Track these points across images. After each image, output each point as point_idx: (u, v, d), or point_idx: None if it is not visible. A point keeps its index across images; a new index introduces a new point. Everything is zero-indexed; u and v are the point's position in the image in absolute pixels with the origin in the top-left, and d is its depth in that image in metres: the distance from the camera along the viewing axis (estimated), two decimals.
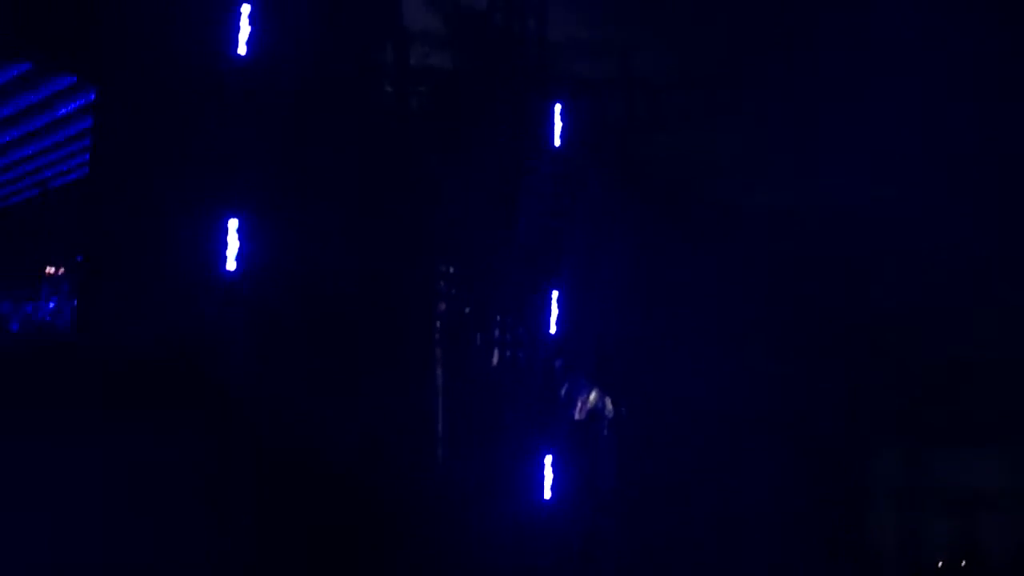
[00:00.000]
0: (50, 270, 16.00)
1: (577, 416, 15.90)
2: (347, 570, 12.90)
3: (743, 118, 16.78)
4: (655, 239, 16.42)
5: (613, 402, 16.15)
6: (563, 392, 15.63)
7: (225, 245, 12.29)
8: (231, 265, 12.32)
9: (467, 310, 15.03)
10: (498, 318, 14.95)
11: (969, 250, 17.69)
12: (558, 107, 14.72)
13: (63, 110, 14.76)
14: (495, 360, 14.93)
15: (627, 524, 15.50)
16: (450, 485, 14.27)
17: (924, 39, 16.12)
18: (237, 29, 12.43)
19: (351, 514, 13.17)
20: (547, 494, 14.31)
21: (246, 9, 12.43)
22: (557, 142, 14.76)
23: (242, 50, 12.44)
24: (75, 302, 13.77)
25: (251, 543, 12.04)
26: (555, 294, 14.73)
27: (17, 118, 15.50)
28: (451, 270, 15.09)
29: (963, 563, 17.98)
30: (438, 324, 14.99)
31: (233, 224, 12.33)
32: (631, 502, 15.81)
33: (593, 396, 16.05)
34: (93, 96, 13.75)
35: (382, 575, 13.18)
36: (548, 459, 14.37)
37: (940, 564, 17.99)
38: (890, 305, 17.66)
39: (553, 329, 14.75)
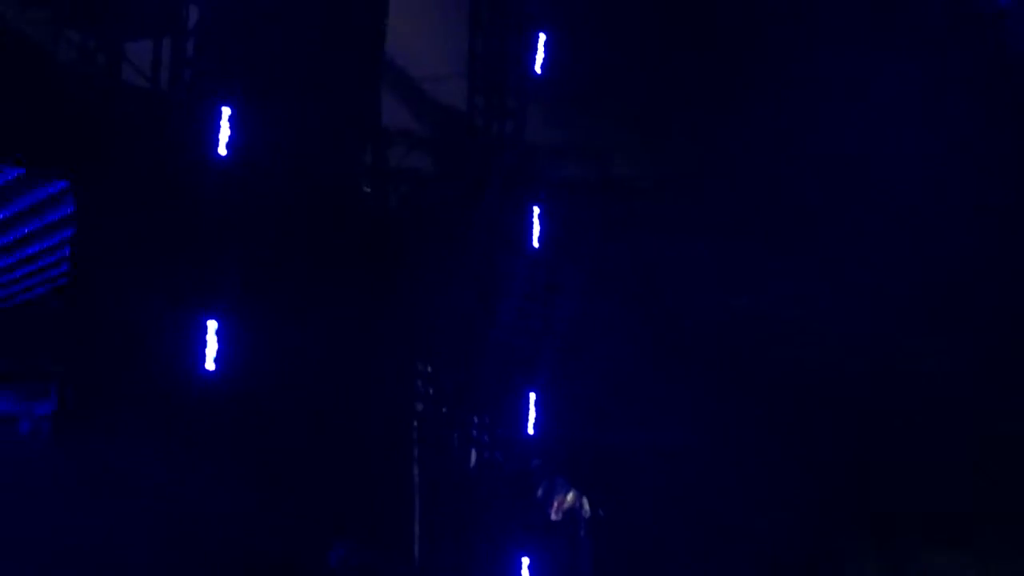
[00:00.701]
0: None
1: (554, 516, 15.75)
2: None
3: (717, 222, 16.77)
4: (630, 341, 16.33)
5: (590, 503, 15.93)
6: (540, 492, 15.52)
7: (204, 345, 12.18)
8: (210, 366, 12.21)
9: (444, 410, 14.84)
10: (475, 418, 14.77)
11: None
12: (536, 210, 14.69)
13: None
14: (472, 460, 14.75)
15: None
16: None
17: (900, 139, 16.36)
18: (218, 131, 12.38)
19: None
20: None
21: (226, 112, 12.40)
22: (535, 244, 14.71)
23: (222, 151, 12.41)
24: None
25: None
26: (532, 396, 14.64)
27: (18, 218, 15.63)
28: (429, 369, 14.91)
29: None
30: (415, 423, 14.81)
31: (212, 325, 12.22)
32: None
33: (570, 496, 15.86)
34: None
35: None
36: (525, 561, 14.22)
37: None
38: (865, 406, 17.39)
39: (531, 430, 14.65)
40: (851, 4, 16.40)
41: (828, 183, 16.70)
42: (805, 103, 16.06)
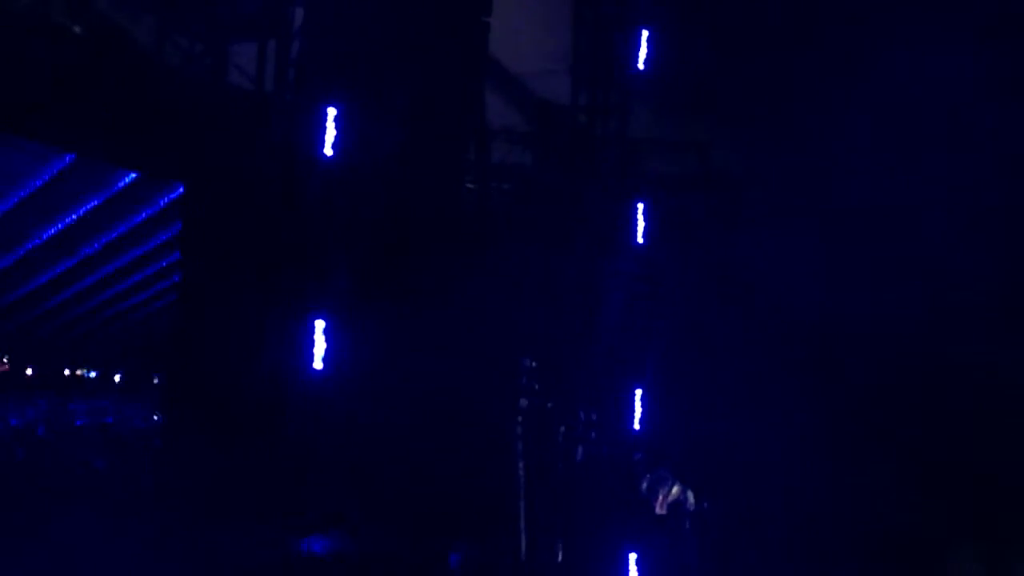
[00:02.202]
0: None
1: (658, 510, 15.66)
2: None
3: (820, 218, 16.73)
4: (734, 337, 16.33)
5: (695, 496, 15.88)
6: (644, 486, 15.47)
7: (312, 345, 12.12)
8: (318, 365, 12.15)
9: (549, 405, 14.83)
10: (581, 414, 14.80)
11: None
12: (640, 206, 14.74)
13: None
14: (578, 455, 14.78)
15: None
16: None
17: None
18: (323, 131, 12.29)
19: None
20: None
21: (332, 112, 12.28)
22: (640, 239, 14.75)
23: (328, 152, 12.30)
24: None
25: None
26: (639, 392, 14.69)
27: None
28: (534, 365, 14.87)
29: None
30: (520, 419, 14.81)
31: (320, 325, 12.16)
32: None
33: (675, 490, 15.75)
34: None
35: None
36: (632, 556, 14.25)
37: None
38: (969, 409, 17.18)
39: (637, 426, 14.72)
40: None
41: (922, 180, 16.56)
42: (903, 99, 15.88)
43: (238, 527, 11.91)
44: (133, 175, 14.79)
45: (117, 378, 26.45)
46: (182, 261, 13.55)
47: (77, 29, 12.13)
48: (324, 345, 12.15)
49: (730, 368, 16.14)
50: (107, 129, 12.20)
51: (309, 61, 12.69)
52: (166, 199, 15.85)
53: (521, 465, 14.67)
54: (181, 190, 13.60)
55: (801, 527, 16.21)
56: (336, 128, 12.26)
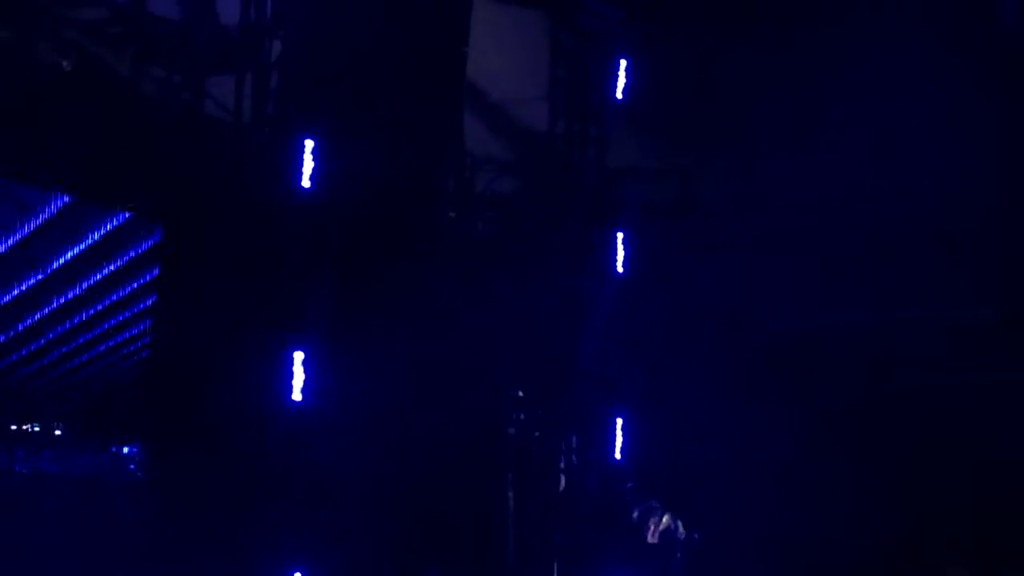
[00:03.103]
0: None
1: (650, 539, 15.48)
2: None
3: (801, 242, 16.71)
4: (717, 362, 16.30)
5: (685, 526, 15.70)
6: (635, 515, 15.34)
7: (291, 376, 12.07)
8: (296, 396, 12.08)
9: (536, 434, 14.90)
10: (563, 444, 14.89)
11: None
12: (620, 235, 14.74)
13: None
14: (562, 484, 14.83)
15: None
16: None
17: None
18: (301, 163, 12.29)
19: None
20: None
21: (309, 144, 12.27)
22: (620, 268, 14.72)
23: (306, 183, 12.27)
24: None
25: None
26: (619, 422, 14.65)
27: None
28: (520, 394, 15.00)
29: None
30: (507, 449, 14.98)
31: (299, 356, 12.09)
32: None
33: (665, 519, 15.58)
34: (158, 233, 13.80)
35: None
36: None
37: None
38: (955, 429, 17.29)
39: (618, 455, 14.65)
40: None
41: (903, 205, 16.55)
42: (887, 126, 15.94)
43: (219, 552, 11.92)
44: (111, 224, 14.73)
45: (58, 432, 27.20)
46: (159, 295, 13.59)
47: (65, 64, 12.08)
48: (303, 376, 12.04)
49: (713, 393, 16.10)
50: (86, 164, 12.26)
51: (287, 93, 12.71)
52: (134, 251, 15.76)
53: (511, 495, 14.69)
54: (158, 234, 13.68)
55: (791, 552, 16.22)
56: (314, 160, 12.23)
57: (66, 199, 14.34)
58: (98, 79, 12.18)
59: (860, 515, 16.37)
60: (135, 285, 17.91)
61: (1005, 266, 16.91)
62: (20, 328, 19.71)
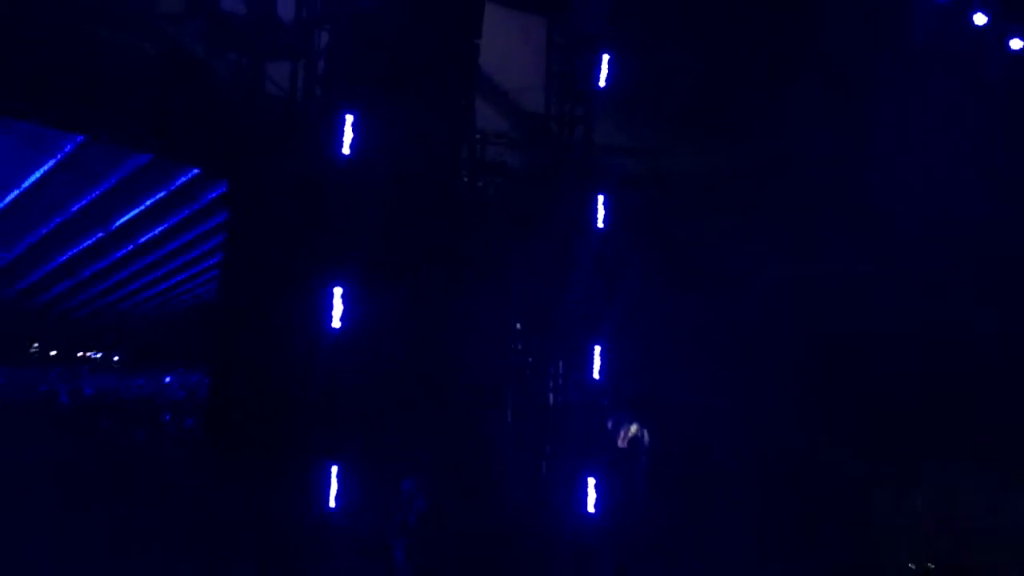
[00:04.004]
0: None
1: (620, 444, 15.60)
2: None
3: (754, 207, 16.44)
4: (681, 304, 16.13)
5: (649, 434, 15.79)
6: (609, 425, 15.34)
7: (331, 308, 12.20)
8: (335, 324, 12.21)
9: (531, 360, 14.80)
10: (551, 368, 14.69)
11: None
12: (601, 198, 14.60)
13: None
14: (551, 400, 14.65)
15: (656, 534, 15.15)
16: (510, 503, 14.10)
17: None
18: (342, 135, 12.40)
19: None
20: (591, 508, 14.01)
21: (349, 119, 12.41)
22: (601, 225, 14.61)
23: (346, 151, 12.42)
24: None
25: None
26: (597, 348, 14.51)
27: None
28: (519, 327, 14.87)
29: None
30: (509, 372, 14.76)
31: (338, 292, 12.23)
32: (661, 517, 15.44)
33: (633, 428, 15.69)
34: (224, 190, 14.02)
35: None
36: (591, 481, 14.09)
37: (931, 567, 16.38)
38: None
39: (597, 376, 14.49)
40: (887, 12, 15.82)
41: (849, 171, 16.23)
42: (835, 102, 15.53)
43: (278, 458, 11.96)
44: (191, 173, 14.76)
45: (116, 358, 26.45)
46: (227, 243, 13.60)
47: (149, 49, 12.29)
48: (341, 307, 12.17)
49: (674, 329, 15.93)
50: (167, 132, 12.42)
51: (332, 77, 12.80)
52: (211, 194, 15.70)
53: (509, 409, 14.52)
54: (226, 185, 13.77)
55: (735, 462, 16.07)
56: (353, 132, 12.40)
57: (143, 160, 14.38)
58: (178, 62, 12.33)
59: (788, 430, 16.15)
60: (189, 236, 17.66)
61: None
62: (86, 273, 19.49)
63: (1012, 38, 16.18)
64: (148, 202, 15.18)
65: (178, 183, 14.85)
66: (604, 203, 14.57)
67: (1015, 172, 15.84)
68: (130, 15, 12.03)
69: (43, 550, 10.84)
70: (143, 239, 16.43)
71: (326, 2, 12.87)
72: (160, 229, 16.11)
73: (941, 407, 16.45)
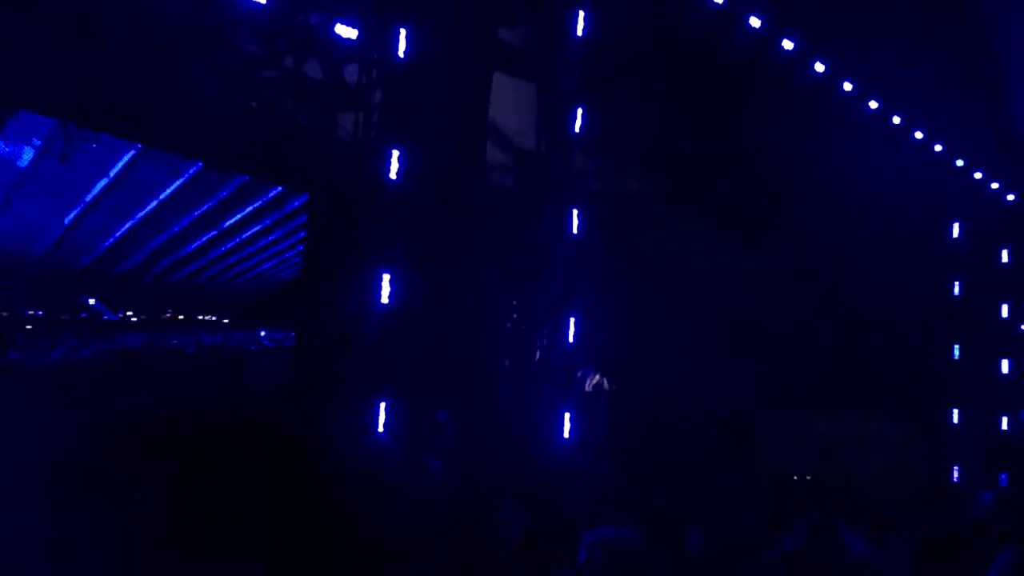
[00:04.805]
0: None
1: (587, 389, 16.07)
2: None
3: (701, 218, 16.92)
4: (637, 289, 16.27)
5: (609, 381, 16.47)
6: (579, 375, 15.72)
7: (380, 289, 12.82)
8: (384, 300, 12.80)
9: (523, 327, 15.20)
10: (538, 333, 15.03)
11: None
12: (575, 211, 14.98)
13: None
14: (537, 356, 15.03)
15: (614, 454, 15.60)
16: (509, 430, 14.50)
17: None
18: (390, 164, 12.98)
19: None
20: (566, 435, 14.49)
21: (396, 153, 12.98)
22: (575, 231, 14.98)
23: (393, 176, 12.96)
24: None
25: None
26: (572, 320, 14.92)
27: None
28: (515, 302, 15.25)
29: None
30: (506, 334, 15.26)
31: (386, 277, 12.82)
32: (617, 441, 15.94)
33: (597, 378, 16.17)
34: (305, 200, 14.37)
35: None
36: (567, 416, 14.58)
37: (808, 478, 17.27)
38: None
39: (571, 340, 14.92)
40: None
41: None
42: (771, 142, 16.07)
43: (341, 396, 12.46)
44: (279, 189, 14.89)
45: (225, 320, 26.31)
46: (307, 239, 13.89)
47: (254, 104, 13.25)
48: (389, 289, 12.80)
49: (632, 305, 16.06)
50: (264, 161, 13.36)
51: (384, 124, 13.26)
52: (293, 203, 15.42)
53: (506, 362, 15.10)
54: (307, 197, 14.13)
55: (671, 407, 16.50)
56: (398, 162, 12.91)
57: (245, 179, 14.36)
58: (274, 113, 13.38)
59: (712, 383, 16.34)
60: (278, 233, 17.14)
61: None
62: (204, 260, 17.75)
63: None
64: (248, 209, 15.18)
65: (270, 196, 14.86)
66: (578, 214, 14.94)
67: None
68: (242, 81, 12.85)
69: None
70: (245, 235, 15.79)
71: (380, 69, 13.14)
72: (257, 228, 15.79)
73: (833, 366, 17.44)
